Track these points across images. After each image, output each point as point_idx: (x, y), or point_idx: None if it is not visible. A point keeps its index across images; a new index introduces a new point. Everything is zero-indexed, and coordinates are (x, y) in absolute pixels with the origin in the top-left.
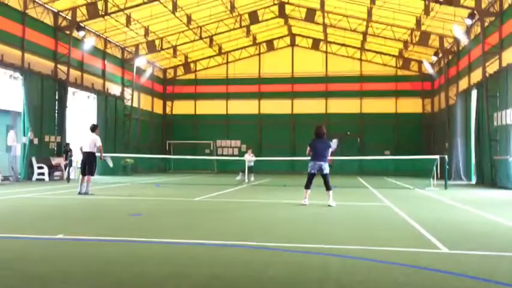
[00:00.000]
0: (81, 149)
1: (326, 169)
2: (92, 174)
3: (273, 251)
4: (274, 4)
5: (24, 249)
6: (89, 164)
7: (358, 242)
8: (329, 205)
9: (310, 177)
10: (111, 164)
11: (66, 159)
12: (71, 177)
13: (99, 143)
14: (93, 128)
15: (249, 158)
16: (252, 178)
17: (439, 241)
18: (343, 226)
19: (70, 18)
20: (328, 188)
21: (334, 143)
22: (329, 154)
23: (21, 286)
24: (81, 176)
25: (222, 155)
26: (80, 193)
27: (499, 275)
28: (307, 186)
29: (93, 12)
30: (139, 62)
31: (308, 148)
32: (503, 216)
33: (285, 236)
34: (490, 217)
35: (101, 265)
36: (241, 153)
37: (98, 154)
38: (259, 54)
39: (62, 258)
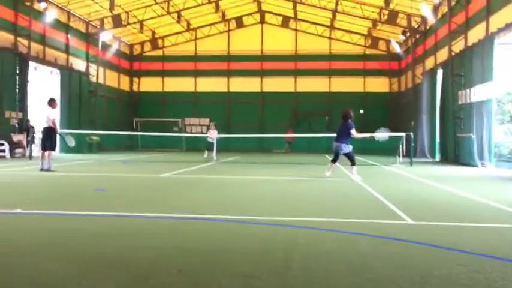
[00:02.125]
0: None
1: (344, 149)
2: (53, 149)
3: (241, 223)
4: None
5: None
6: (48, 139)
7: (325, 215)
8: (352, 179)
9: (335, 154)
10: (70, 144)
11: (28, 136)
12: (33, 154)
13: (52, 116)
14: (49, 102)
15: (213, 135)
16: (214, 156)
17: (404, 213)
18: (311, 200)
19: None
20: (351, 164)
21: (384, 132)
22: (349, 136)
23: None
24: (41, 152)
25: (191, 133)
26: (41, 169)
27: (462, 243)
28: (332, 160)
29: None
30: (105, 36)
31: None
32: (465, 190)
33: (252, 210)
34: (453, 191)
35: (59, 238)
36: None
37: (61, 130)
38: (228, 31)
39: (17, 232)
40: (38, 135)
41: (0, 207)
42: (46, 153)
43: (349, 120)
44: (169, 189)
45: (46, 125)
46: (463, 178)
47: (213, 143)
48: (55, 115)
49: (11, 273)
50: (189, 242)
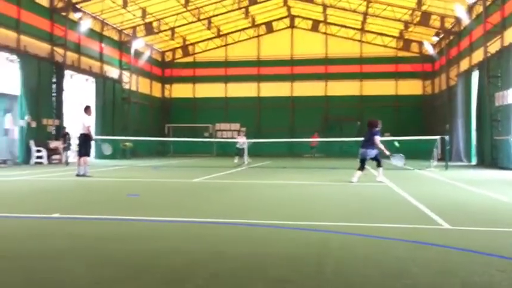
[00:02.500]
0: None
1: (370, 154)
2: (88, 155)
3: (272, 228)
4: None
5: (17, 227)
6: (83, 145)
7: (358, 220)
8: (378, 180)
9: (361, 161)
10: (107, 152)
11: (64, 142)
12: (69, 160)
13: (87, 123)
14: (85, 109)
15: (242, 141)
16: (245, 161)
17: (440, 218)
18: (344, 205)
19: None
20: (378, 165)
21: (398, 159)
22: (375, 142)
23: (10, 264)
24: (77, 158)
25: (222, 138)
26: (78, 175)
27: (501, 249)
28: (359, 168)
29: None
30: (137, 44)
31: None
32: (504, 194)
33: (284, 215)
34: (491, 195)
35: (95, 242)
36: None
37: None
38: (258, 36)
39: (56, 236)
40: (74, 142)
41: (40, 212)
42: (82, 159)
43: (376, 129)
44: (201, 194)
45: (82, 132)
46: (501, 182)
47: (242, 149)
48: (90, 122)
49: (48, 277)
50: (222, 247)
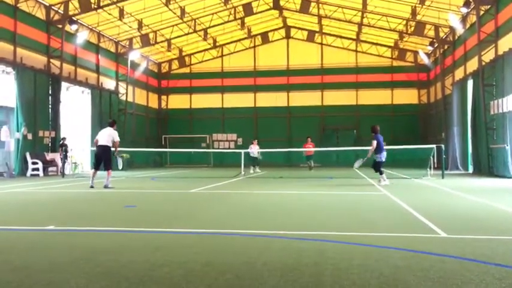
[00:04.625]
0: (96, 142)
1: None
2: (110, 168)
3: (268, 238)
4: None
5: (12, 240)
6: (106, 158)
7: (355, 229)
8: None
9: (382, 164)
10: (120, 166)
11: (61, 153)
12: (66, 172)
13: (117, 138)
14: (112, 123)
15: (255, 149)
16: (258, 169)
17: (437, 226)
18: (340, 214)
19: (62, 11)
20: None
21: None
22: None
23: (5, 277)
24: (93, 170)
25: (219, 149)
26: (105, 186)
27: (498, 257)
28: (382, 172)
29: (85, 5)
30: (134, 56)
31: (375, 142)
32: (501, 202)
33: (281, 224)
34: (487, 203)
35: (90, 254)
36: (239, 147)
37: (113, 149)
38: (254, 47)
39: (51, 249)
40: (71, 154)
41: (34, 224)
42: (109, 171)
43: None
44: (198, 205)
45: (105, 144)
46: (498, 190)
47: (255, 158)
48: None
49: None
50: (219, 257)
